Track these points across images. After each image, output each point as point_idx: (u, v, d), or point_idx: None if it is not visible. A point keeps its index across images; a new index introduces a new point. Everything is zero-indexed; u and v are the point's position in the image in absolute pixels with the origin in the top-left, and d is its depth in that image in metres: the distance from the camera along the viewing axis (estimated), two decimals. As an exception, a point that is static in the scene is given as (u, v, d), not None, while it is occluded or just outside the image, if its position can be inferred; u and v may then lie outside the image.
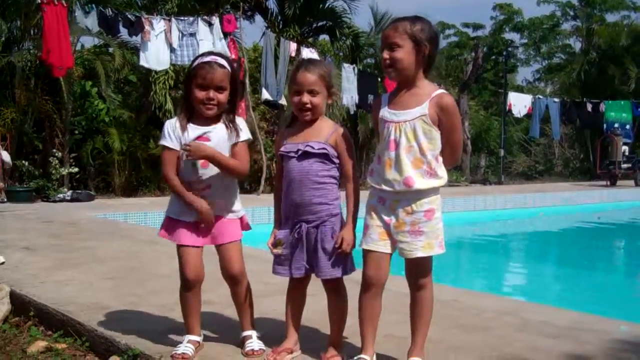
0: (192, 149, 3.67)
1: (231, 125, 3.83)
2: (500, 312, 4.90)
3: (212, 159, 3.73)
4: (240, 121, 3.91)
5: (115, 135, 17.25)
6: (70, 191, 15.21)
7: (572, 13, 37.98)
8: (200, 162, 3.75)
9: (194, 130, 3.79)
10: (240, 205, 3.98)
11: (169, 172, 3.82)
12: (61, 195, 14.72)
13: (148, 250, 7.75)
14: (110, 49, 17.85)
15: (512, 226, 16.31)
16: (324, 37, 23.02)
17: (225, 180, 3.84)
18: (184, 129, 3.79)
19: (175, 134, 3.80)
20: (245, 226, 3.99)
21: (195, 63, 3.80)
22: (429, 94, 3.41)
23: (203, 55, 3.87)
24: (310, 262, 3.68)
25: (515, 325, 4.54)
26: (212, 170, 3.77)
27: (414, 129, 3.39)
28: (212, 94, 3.72)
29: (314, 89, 3.64)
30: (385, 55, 3.40)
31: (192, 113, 3.83)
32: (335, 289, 3.73)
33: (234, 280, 3.91)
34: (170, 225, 3.89)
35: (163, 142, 3.83)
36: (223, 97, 3.76)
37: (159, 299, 5.13)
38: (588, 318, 4.79)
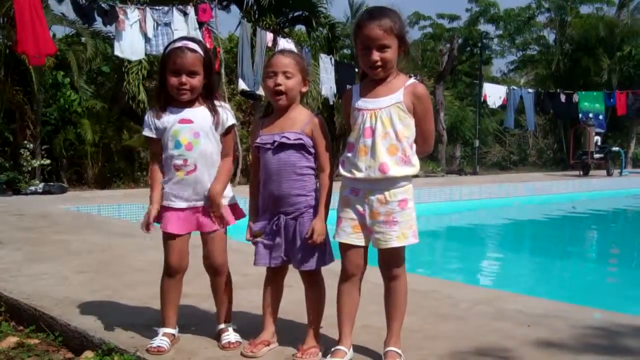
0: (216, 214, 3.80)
1: (214, 109, 3.82)
2: (475, 301, 4.93)
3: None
4: (225, 105, 3.92)
5: (87, 126, 17.08)
6: (42, 183, 15.01)
7: (546, 5, 38.20)
8: (184, 144, 3.73)
9: (174, 112, 3.78)
10: (232, 191, 3.96)
11: (151, 162, 3.89)
12: (33, 188, 14.53)
13: (122, 243, 7.69)
14: (83, 39, 17.65)
15: (487, 216, 16.38)
16: (300, 28, 22.95)
17: (211, 160, 3.82)
18: (162, 114, 3.78)
19: (153, 122, 3.80)
20: (239, 213, 3.97)
21: (167, 49, 3.78)
22: (403, 83, 3.44)
23: (175, 41, 3.85)
24: (288, 253, 3.67)
25: (490, 314, 4.58)
26: (195, 152, 3.75)
27: (389, 116, 3.40)
28: (184, 79, 3.70)
29: (288, 71, 3.61)
30: (375, 57, 3.36)
31: (170, 100, 3.80)
32: (313, 280, 3.73)
33: (216, 270, 3.90)
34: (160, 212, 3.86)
35: (143, 132, 3.87)
36: (196, 81, 3.74)
37: (133, 292, 5.08)
38: (562, 306, 4.85)
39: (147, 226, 3.80)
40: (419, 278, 5.69)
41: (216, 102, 3.86)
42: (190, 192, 3.77)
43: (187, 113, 3.78)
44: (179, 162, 3.75)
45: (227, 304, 3.98)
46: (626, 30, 29.97)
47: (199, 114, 3.80)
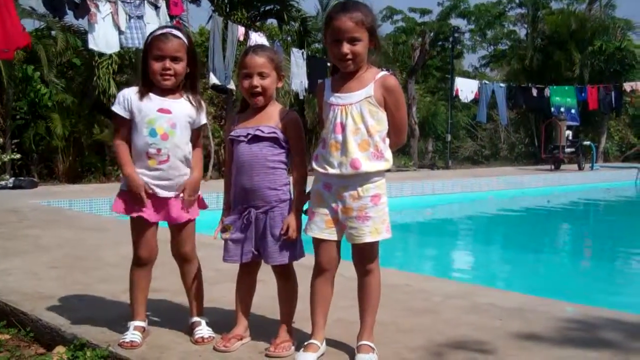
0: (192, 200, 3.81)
1: (194, 102, 3.83)
2: (448, 295, 4.96)
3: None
4: (201, 103, 3.92)
5: (57, 120, 16.94)
6: (13, 178, 14.84)
7: (517, 1, 38.50)
8: (160, 134, 3.71)
9: (153, 100, 3.75)
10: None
11: (117, 139, 3.80)
12: (3, 183, 14.37)
13: (93, 237, 7.64)
14: (53, 32, 17.50)
15: (459, 210, 16.50)
16: (272, 22, 22.91)
17: (184, 151, 3.80)
18: (142, 96, 3.75)
19: (128, 103, 3.75)
20: (202, 204, 3.97)
21: (149, 38, 3.77)
22: (373, 76, 3.44)
23: (158, 29, 3.86)
24: (259, 247, 3.66)
25: (463, 307, 4.60)
26: (170, 142, 3.73)
27: (360, 111, 3.40)
28: (168, 63, 3.69)
29: (264, 72, 3.61)
30: (346, 49, 3.36)
31: (151, 88, 3.78)
32: (284, 275, 3.73)
33: (186, 258, 3.91)
34: (124, 198, 3.81)
35: (113, 107, 3.78)
36: (180, 67, 3.74)
37: (105, 287, 5.04)
38: (534, 300, 4.89)
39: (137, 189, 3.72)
40: (391, 272, 5.70)
41: (197, 97, 3.87)
42: (162, 181, 3.75)
43: (166, 103, 3.77)
44: (152, 150, 3.72)
45: (199, 297, 3.98)
46: (597, 25, 30.22)
47: (179, 105, 3.79)
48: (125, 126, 3.77)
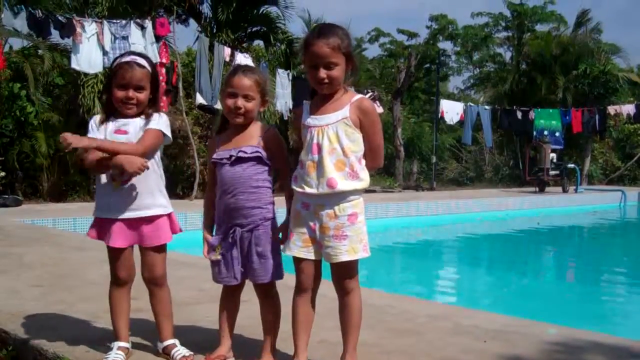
0: (67, 138, 3.56)
1: (147, 118, 3.81)
2: (432, 316, 4.96)
3: (100, 148, 3.68)
4: (159, 115, 3.87)
5: (42, 139, 16.88)
6: (-4, 196, 14.81)
7: (503, 24, 38.84)
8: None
9: (112, 124, 3.80)
10: (168, 201, 3.92)
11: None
12: (-13, 201, 14.32)
13: (77, 256, 7.60)
14: (40, 51, 17.47)
15: (444, 232, 16.51)
16: (259, 43, 22.96)
17: (147, 171, 3.74)
18: (102, 123, 3.80)
19: (96, 131, 3.79)
20: (175, 227, 3.94)
21: (115, 63, 3.81)
22: (349, 99, 3.49)
23: (123, 55, 3.88)
24: (244, 266, 3.67)
25: (447, 329, 4.60)
26: None
27: (336, 132, 3.44)
28: (131, 93, 3.74)
29: (249, 94, 3.64)
30: (323, 74, 3.41)
31: (114, 111, 3.83)
32: (267, 295, 3.74)
33: (157, 283, 3.90)
34: (98, 225, 3.84)
35: (89, 135, 3.79)
36: (143, 96, 3.78)
37: (88, 306, 5.02)
38: (517, 322, 4.90)
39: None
40: (375, 293, 5.71)
41: (155, 114, 3.85)
42: (127, 202, 3.75)
43: (123, 124, 3.79)
44: (114, 171, 3.72)
45: (171, 319, 3.97)
46: (582, 49, 30.42)
47: (134, 124, 3.80)
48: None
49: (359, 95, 3.53)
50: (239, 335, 4.03)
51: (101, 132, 3.78)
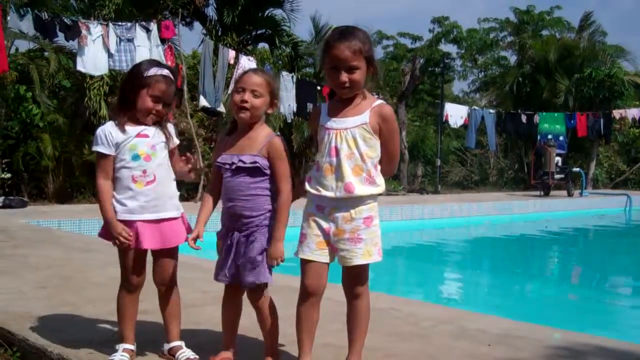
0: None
1: (164, 130, 3.91)
2: (437, 320, 4.95)
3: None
4: (170, 126, 3.99)
5: (47, 141, 16.91)
6: (2, 197, 14.79)
7: (509, 30, 38.76)
8: (142, 156, 3.76)
9: (131, 127, 3.81)
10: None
11: (101, 179, 3.79)
12: (-8, 202, 14.35)
13: (82, 258, 7.61)
14: (46, 53, 17.50)
15: (449, 235, 16.48)
16: (264, 45, 22.97)
17: (167, 170, 3.89)
18: (123, 128, 3.78)
19: (110, 138, 3.77)
20: (188, 228, 3.97)
21: (152, 72, 3.79)
22: (370, 104, 3.46)
23: (160, 65, 3.90)
24: (237, 269, 3.66)
25: (452, 333, 4.60)
26: (153, 162, 3.79)
27: (354, 137, 3.42)
28: (160, 107, 3.81)
29: (257, 90, 3.62)
30: (344, 78, 3.38)
31: (126, 113, 3.84)
32: (257, 303, 3.71)
33: (169, 284, 3.91)
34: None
35: (97, 149, 3.78)
36: (165, 110, 3.86)
37: (93, 307, 5.03)
38: (523, 326, 4.89)
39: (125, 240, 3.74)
40: (380, 296, 5.70)
41: (169, 124, 3.98)
42: (150, 203, 3.77)
43: (143, 129, 3.82)
44: (137, 173, 3.76)
45: (179, 320, 3.98)
46: (586, 52, 30.36)
47: (153, 131, 3.85)
48: (110, 163, 3.79)
49: (380, 101, 3.50)
50: (243, 337, 4.03)
51: (117, 137, 3.77)
